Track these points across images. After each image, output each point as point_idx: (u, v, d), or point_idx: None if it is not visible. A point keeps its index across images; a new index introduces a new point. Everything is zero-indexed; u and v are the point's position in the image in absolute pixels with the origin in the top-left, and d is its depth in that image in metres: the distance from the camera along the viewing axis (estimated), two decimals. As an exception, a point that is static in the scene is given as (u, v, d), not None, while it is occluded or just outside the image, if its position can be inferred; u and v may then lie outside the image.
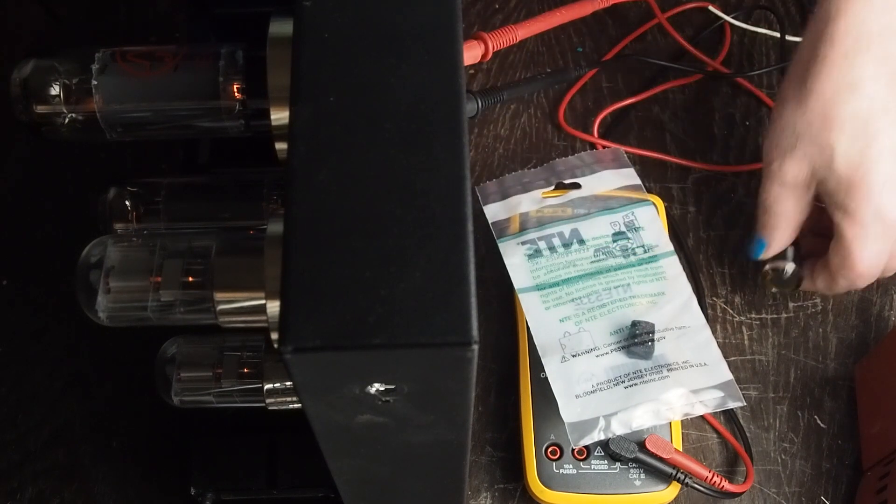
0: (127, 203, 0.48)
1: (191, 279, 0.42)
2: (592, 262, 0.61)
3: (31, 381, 0.62)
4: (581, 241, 0.61)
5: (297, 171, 0.31)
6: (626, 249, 0.61)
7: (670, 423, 0.58)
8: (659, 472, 0.56)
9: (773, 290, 0.63)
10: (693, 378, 0.56)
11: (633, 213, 0.63)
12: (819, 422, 0.62)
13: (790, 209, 0.58)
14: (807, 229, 0.60)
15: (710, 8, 0.75)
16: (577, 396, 0.56)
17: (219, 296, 0.41)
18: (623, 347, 0.57)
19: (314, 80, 0.33)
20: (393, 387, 0.31)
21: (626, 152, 0.68)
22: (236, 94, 0.42)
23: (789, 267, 0.61)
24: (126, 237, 0.45)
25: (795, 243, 0.62)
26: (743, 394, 0.58)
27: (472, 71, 0.72)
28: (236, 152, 0.52)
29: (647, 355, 0.57)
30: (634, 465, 0.57)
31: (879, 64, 0.54)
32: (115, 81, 0.42)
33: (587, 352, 0.57)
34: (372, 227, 0.30)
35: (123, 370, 0.62)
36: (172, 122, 0.43)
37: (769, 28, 0.75)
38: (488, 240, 0.63)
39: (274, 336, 0.37)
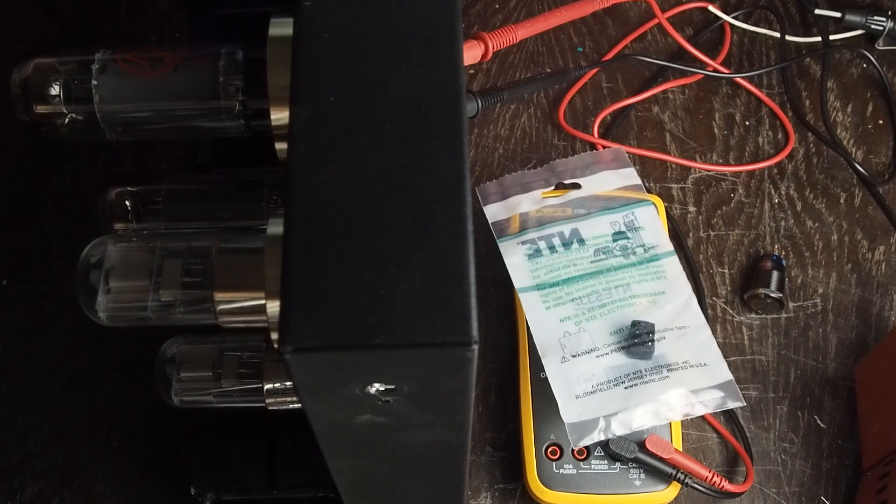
0: (127, 203, 0.48)
1: (191, 279, 0.42)
2: (592, 261, 0.61)
3: (31, 381, 0.62)
4: (581, 241, 0.61)
5: (297, 171, 0.31)
6: (626, 249, 0.61)
7: (670, 424, 0.58)
8: (659, 472, 0.56)
9: (759, 312, 0.65)
10: (693, 378, 0.56)
11: (633, 213, 0.63)
12: (819, 422, 0.62)
13: None
14: None
15: (710, 8, 0.75)
16: (577, 397, 0.56)
17: (219, 296, 0.41)
18: (623, 348, 0.57)
19: (314, 80, 0.33)
20: (393, 387, 0.31)
21: (626, 152, 0.68)
22: (236, 94, 0.42)
23: (773, 294, 0.63)
24: (126, 237, 0.45)
25: (780, 270, 0.64)
26: (743, 394, 0.58)
27: (472, 71, 0.72)
28: (236, 152, 0.52)
29: (647, 355, 0.57)
30: (634, 465, 0.57)
31: None
32: (115, 81, 0.42)
33: (587, 352, 0.57)
34: (372, 227, 0.30)
35: (123, 370, 0.62)
36: (172, 122, 0.43)
37: (769, 28, 0.75)
38: (488, 240, 0.63)
39: (274, 336, 0.37)
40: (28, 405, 0.61)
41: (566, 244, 0.61)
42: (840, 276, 0.66)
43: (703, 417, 0.61)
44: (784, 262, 0.66)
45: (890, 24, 0.73)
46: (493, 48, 0.71)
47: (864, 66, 0.74)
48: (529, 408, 0.58)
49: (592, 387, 0.56)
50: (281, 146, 0.38)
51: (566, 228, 0.62)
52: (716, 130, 0.71)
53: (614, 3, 0.75)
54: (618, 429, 0.55)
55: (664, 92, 0.73)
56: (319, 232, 0.30)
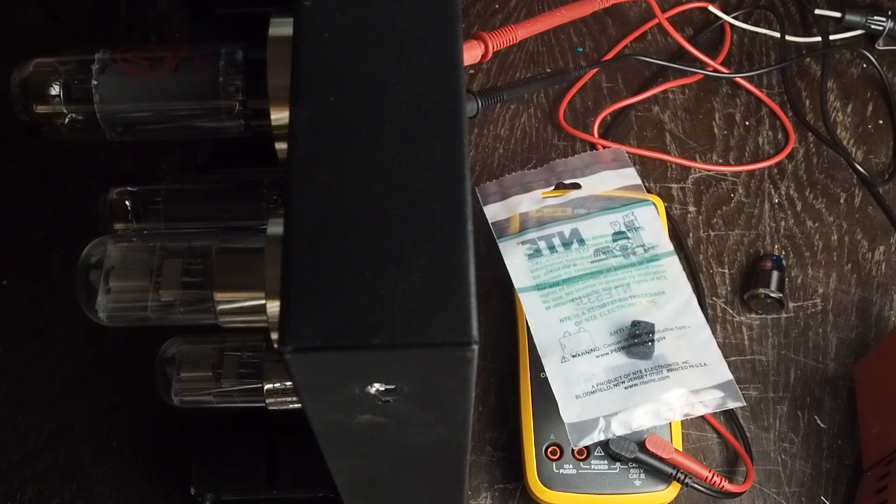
0: (127, 203, 0.48)
1: (191, 279, 0.42)
2: (592, 261, 0.61)
3: (31, 381, 0.62)
4: (581, 241, 0.61)
5: (297, 171, 0.31)
6: (626, 249, 0.61)
7: (670, 424, 0.58)
8: (659, 472, 0.56)
9: (759, 312, 0.65)
10: (693, 378, 0.56)
11: (633, 213, 0.63)
12: (819, 422, 0.62)
13: None
14: None
15: (710, 8, 0.75)
16: (577, 397, 0.56)
17: (219, 296, 0.41)
18: (623, 348, 0.57)
19: (314, 80, 0.33)
20: (393, 387, 0.31)
21: (626, 152, 0.68)
22: (236, 94, 0.42)
23: (773, 294, 0.63)
24: (126, 237, 0.45)
25: (780, 271, 0.64)
26: (743, 394, 0.58)
27: (472, 71, 0.72)
28: (236, 152, 0.52)
29: (647, 355, 0.57)
30: (634, 465, 0.57)
31: None
32: (115, 81, 0.42)
33: (587, 352, 0.57)
34: (372, 227, 0.30)
35: (123, 370, 0.62)
36: (172, 122, 0.43)
37: (769, 28, 0.75)
38: (488, 240, 0.63)
39: (274, 336, 0.37)
40: (28, 405, 0.61)
41: (566, 244, 0.61)
42: (840, 276, 0.66)
43: (703, 417, 0.61)
44: (784, 262, 0.66)
45: (890, 24, 0.73)
46: (493, 48, 0.71)
47: (864, 66, 0.74)
48: (529, 408, 0.58)
49: (592, 387, 0.56)
50: (281, 146, 0.38)
51: (566, 228, 0.62)
52: (716, 130, 0.71)
53: (614, 3, 0.75)
54: (618, 429, 0.55)
55: (664, 92, 0.73)
56: (319, 232, 0.30)
